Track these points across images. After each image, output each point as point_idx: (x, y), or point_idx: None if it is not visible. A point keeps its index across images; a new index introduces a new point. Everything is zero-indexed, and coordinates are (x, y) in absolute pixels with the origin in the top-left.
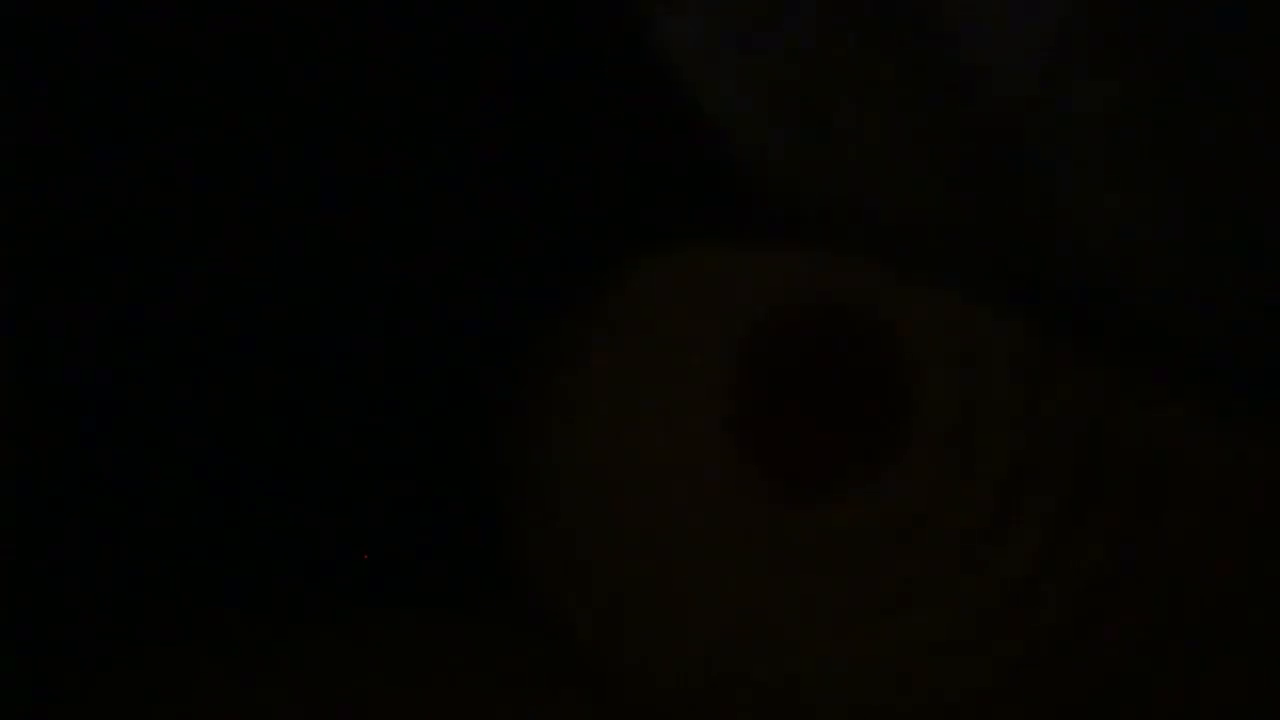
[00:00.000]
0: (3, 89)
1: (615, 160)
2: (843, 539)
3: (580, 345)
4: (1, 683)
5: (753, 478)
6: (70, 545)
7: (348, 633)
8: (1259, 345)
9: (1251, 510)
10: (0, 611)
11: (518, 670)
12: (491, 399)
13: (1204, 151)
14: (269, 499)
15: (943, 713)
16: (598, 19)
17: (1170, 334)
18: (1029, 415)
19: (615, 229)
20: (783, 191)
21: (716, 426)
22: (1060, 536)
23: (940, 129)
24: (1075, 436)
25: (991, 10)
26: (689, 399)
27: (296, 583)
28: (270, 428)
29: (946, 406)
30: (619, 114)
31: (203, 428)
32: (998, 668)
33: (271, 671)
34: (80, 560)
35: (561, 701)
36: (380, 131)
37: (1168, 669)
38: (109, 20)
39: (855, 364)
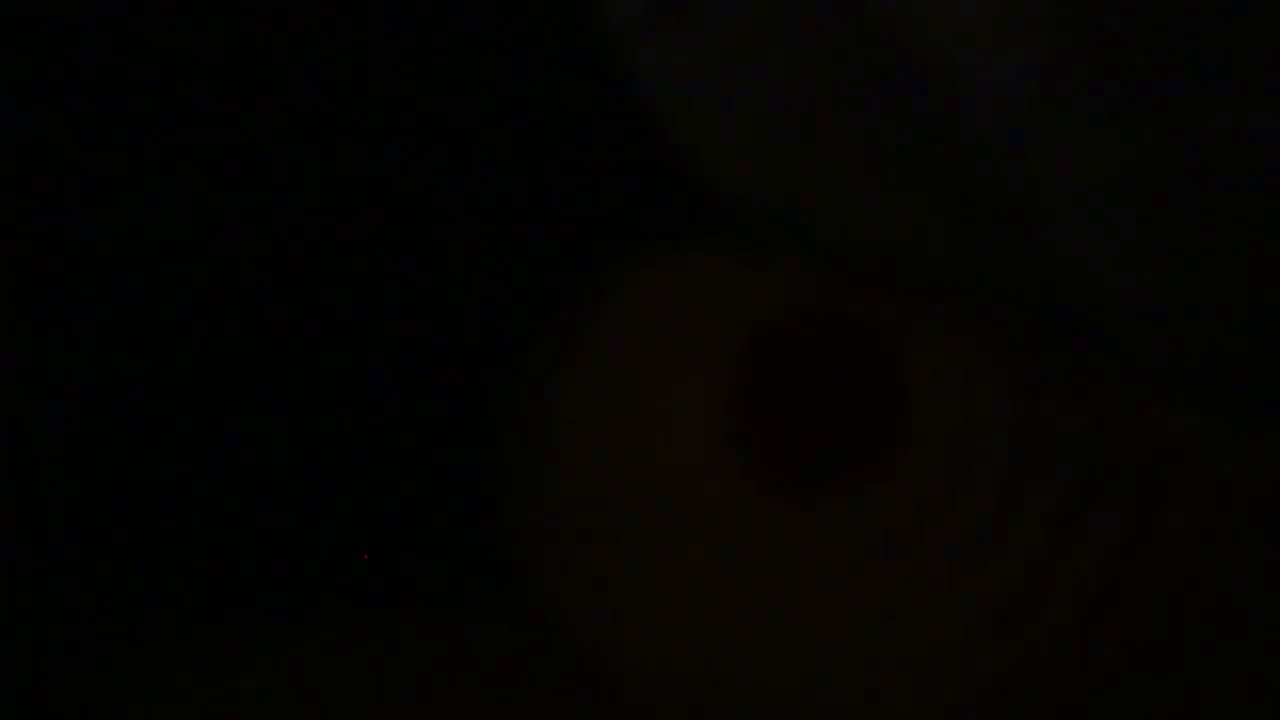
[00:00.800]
0: (3, 89)
1: (616, 162)
2: (843, 539)
3: (580, 346)
4: (2, 683)
5: (752, 478)
6: (70, 545)
7: (348, 633)
8: (1257, 363)
9: (1251, 510)
10: (0, 611)
11: (518, 670)
12: (492, 399)
13: (1194, 174)
14: (269, 499)
15: (943, 713)
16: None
17: (1161, 351)
18: (1028, 416)
19: (615, 230)
20: (766, 221)
21: (716, 427)
22: (1060, 536)
23: (924, 153)
24: (1075, 436)
25: (978, 38)
26: (689, 399)
27: (296, 583)
28: (271, 428)
29: (946, 407)
30: (620, 115)
31: (203, 428)
32: (998, 668)
33: (271, 671)
34: (80, 560)
35: (561, 701)
36: (381, 133)
37: (1168, 669)
38: (109, 20)
39: (855, 364)
